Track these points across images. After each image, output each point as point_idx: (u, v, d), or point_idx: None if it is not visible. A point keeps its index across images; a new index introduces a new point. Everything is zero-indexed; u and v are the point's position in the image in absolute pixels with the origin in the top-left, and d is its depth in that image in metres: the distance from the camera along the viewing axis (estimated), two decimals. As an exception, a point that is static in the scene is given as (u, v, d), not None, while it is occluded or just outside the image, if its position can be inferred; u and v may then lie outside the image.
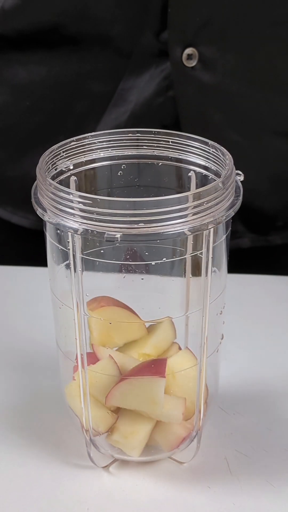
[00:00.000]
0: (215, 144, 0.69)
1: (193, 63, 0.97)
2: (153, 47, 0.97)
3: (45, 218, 0.63)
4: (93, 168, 0.72)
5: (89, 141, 0.71)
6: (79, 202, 0.61)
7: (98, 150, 0.72)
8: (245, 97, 0.98)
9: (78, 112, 1.00)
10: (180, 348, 0.72)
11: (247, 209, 1.04)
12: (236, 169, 0.66)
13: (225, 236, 0.67)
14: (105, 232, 0.60)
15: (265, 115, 1.00)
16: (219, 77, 0.98)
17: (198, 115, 0.99)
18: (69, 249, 0.63)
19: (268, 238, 1.09)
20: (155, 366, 0.67)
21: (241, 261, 1.00)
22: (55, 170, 0.69)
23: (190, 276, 0.74)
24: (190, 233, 0.61)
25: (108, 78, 0.99)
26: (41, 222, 0.66)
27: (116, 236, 0.59)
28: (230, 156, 0.66)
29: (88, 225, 0.60)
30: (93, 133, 0.71)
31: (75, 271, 0.64)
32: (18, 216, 1.05)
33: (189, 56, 0.96)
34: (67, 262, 0.66)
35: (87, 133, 0.71)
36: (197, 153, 0.70)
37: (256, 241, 1.09)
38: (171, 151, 0.72)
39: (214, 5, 0.94)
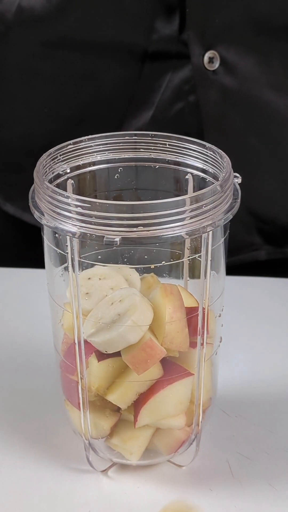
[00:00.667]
0: (213, 146, 0.69)
1: (215, 66, 0.96)
2: (170, 49, 0.96)
3: (43, 222, 0.63)
4: (90, 171, 0.72)
5: (86, 144, 0.71)
6: (78, 206, 0.61)
7: (95, 153, 0.72)
8: (266, 102, 0.98)
9: (97, 117, 1.00)
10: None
11: (263, 219, 1.03)
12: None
13: (223, 239, 0.67)
14: (104, 236, 0.60)
15: (286, 121, 0.99)
16: (240, 81, 0.97)
17: (221, 120, 0.99)
18: (67, 253, 0.63)
19: (285, 250, 1.07)
20: (173, 367, 0.67)
21: (258, 273, 1.00)
22: (52, 173, 0.69)
23: (188, 279, 0.74)
24: (188, 236, 0.61)
25: (125, 82, 0.99)
26: None
27: (115, 239, 0.59)
28: (228, 158, 0.66)
29: (87, 229, 0.60)
30: (89, 136, 0.71)
31: (74, 274, 0.64)
32: (28, 213, 1.05)
33: (211, 60, 0.96)
34: (65, 265, 0.66)
35: None
36: (195, 156, 0.70)
37: (273, 253, 1.07)
38: (168, 154, 0.71)
39: (233, 7, 0.93)
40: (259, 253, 1.07)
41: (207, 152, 0.69)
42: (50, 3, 0.95)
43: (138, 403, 0.67)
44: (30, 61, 0.99)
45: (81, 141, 0.71)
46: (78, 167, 0.71)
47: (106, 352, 0.66)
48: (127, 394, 0.67)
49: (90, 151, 0.71)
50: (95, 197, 0.70)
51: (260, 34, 0.95)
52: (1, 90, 1.01)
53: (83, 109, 1.00)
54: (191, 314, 0.66)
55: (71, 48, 0.97)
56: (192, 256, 0.69)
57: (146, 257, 0.68)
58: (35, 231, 0.76)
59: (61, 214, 0.61)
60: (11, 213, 1.08)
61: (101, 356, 0.66)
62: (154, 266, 0.70)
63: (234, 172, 0.66)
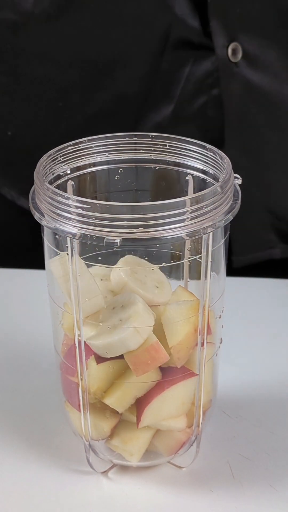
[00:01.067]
0: (213, 147, 0.69)
1: (237, 58, 0.95)
2: (192, 39, 0.95)
3: (43, 223, 0.63)
4: (90, 173, 0.72)
5: (86, 145, 0.71)
6: (78, 207, 0.61)
7: (95, 154, 0.72)
8: (286, 96, 0.98)
9: (115, 112, 0.99)
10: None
11: (279, 217, 1.03)
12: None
13: (223, 240, 0.67)
14: (104, 237, 0.60)
15: None
16: (261, 74, 0.97)
17: (242, 114, 0.98)
18: (68, 254, 0.63)
19: None
20: (176, 368, 0.67)
21: (272, 272, 1.00)
22: (53, 174, 0.69)
23: (188, 280, 0.74)
24: (188, 237, 0.61)
25: (143, 75, 0.98)
26: None
27: (116, 241, 0.59)
28: (228, 159, 0.66)
29: (87, 230, 0.60)
30: (90, 137, 0.71)
31: (73, 275, 0.63)
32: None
33: (233, 51, 0.95)
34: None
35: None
36: (195, 157, 0.70)
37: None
38: (169, 155, 0.71)
39: None
40: (274, 251, 1.06)
41: (207, 153, 0.69)
42: None
43: (141, 403, 0.67)
44: (47, 54, 0.98)
45: (81, 142, 0.71)
46: (78, 168, 0.71)
47: (105, 355, 0.65)
48: (125, 398, 0.66)
49: (90, 152, 0.71)
50: (95, 198, 0.70)
51: (283, 27, 0.94)
52: (19, 82, 1.00)
53: (101, 104, 0.99)
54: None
55: (88, 41, 0.96)
56: (192, 257, 0.69)
57: (146, 258, 0.68)
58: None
59: (61, 215, 0.61)
60: (26, 207, 1.07)
61: (100, 358, 0.66)
62: (154, 267, 0.70)
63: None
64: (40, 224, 0.64)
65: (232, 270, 1.00)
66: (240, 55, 0.95)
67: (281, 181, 1.00)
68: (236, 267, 1.03)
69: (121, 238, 0.59)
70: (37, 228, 0.68)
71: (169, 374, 0.67)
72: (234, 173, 0.66)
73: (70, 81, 0.99)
